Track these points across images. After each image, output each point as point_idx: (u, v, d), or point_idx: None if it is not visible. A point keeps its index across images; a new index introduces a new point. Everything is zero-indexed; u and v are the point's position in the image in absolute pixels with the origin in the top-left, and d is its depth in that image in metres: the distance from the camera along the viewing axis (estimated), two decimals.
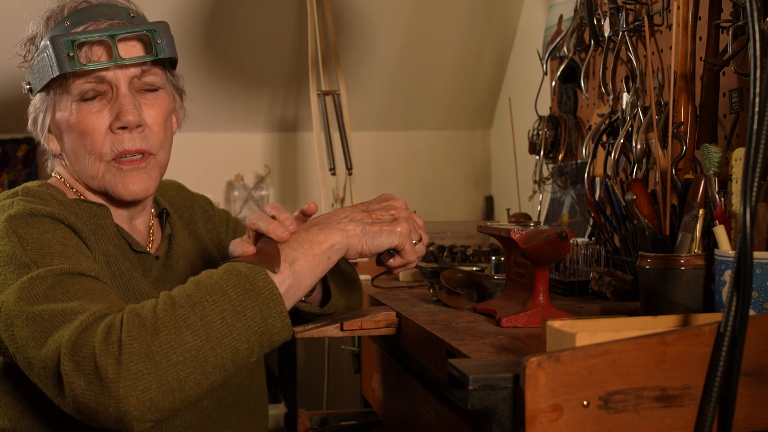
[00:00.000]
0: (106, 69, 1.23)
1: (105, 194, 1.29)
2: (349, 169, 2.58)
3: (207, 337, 0.99)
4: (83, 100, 1.23)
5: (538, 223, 1.40)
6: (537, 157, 2.27)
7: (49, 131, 1.29)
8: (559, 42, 2.17)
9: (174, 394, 0.97)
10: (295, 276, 1.09)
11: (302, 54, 2.86)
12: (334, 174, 2.56)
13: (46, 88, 1.26)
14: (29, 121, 1.31)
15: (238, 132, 3.12)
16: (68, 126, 1.25)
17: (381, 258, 1.22)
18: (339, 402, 3.08)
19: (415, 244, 1.21)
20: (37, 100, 1.29)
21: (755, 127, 0.85)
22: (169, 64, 1.32)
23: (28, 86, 1.30)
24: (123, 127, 1.23)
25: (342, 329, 1.33)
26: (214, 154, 3.10)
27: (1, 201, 1.19)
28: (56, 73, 1.21)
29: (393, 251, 1.21)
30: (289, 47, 2.91)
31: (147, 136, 1.26)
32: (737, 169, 1.15)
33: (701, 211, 1.18)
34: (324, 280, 1.39)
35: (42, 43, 1.26)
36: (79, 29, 1.24)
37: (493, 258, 1.62)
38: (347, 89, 2.88)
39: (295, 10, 2.82)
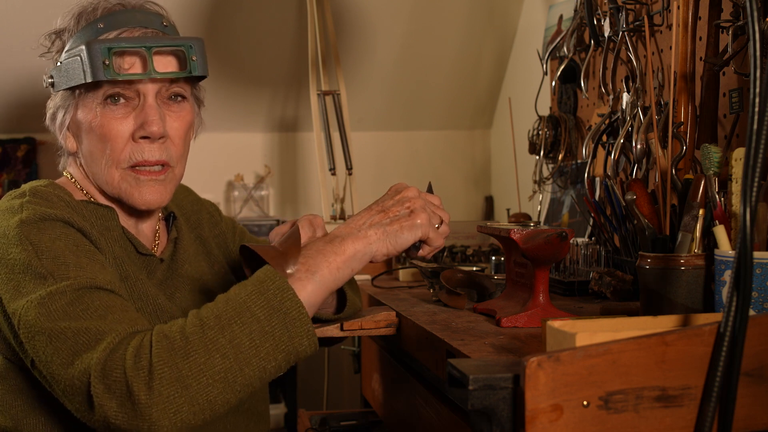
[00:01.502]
0: (139, 81, 1.22)
1: (117, 200, 1.28)
2: (349, 169, 2.58)
3: (236, 359, 1.00)
4: (108, 103, 1.22)
5: (538, 223, 1.40)
6: (537, 157, 2.27)
7: (68, 129, 1.28)
8: (559, 42, 2.17)
9: (204, 412, 1.00)
10: (319, 289, 1.10)
11: (302, 54, 2.86)
12: (334, 174, 2.56)
13: (72, 87, 1.24)
14: (47, 116, 1.30)
15: (238, 132, 3.13)
16: (90, 128, 1.24)
17: (409, 253, 1.21)
18: (339, 402, 3.08)
19: (438, 227, 1.21)
20: (59, 97, 1.27)
21: (755, 127, 0.85)
22: (196, 78, 1.31)
23: (50, 80, 1.27)
24: (145, 137, 1.23)
25: (342, 329, 1.34)
26: (214, 154, 3.10)
27: (9, 201, 1.18)
28: (89, 79, 1.19)
29: (419, 243, 1.20)
30: (289, 47, 2.91)
31: (168, 147, 1.25)
32: (737, 169, 1.15)
33: (701, 211, 1.18)
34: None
35: (72, 42, 1.24)
36: (113, 34, 1.22)
37: (493, 258, 1.62)
38: (347, 89, 2.88)
39: (295, 10, 2.82)
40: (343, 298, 1.38)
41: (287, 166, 3.18)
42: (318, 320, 1.45)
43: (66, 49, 1.25)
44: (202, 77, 1.31)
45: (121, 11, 1.25)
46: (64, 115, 1.27)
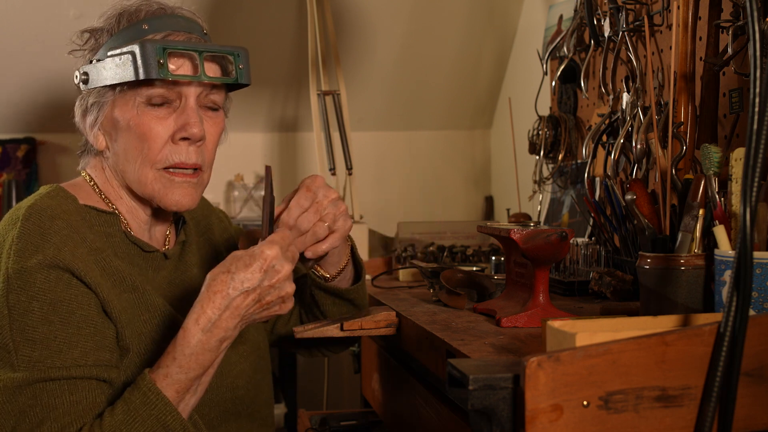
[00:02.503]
0: (189, 83, 1.23)
1: (141, 200, 1.29)
2: (349, 169, 2.58)
3: None
4: (150, 104, 1.23)
5: (538, 223, 1.40)
6: (537, 157, 2.27)
7: (100, 127, 1.27)
8: (559, 42, 2.17)
9: None
10: (197, 393, 1.16)
11: (302, 54, 2.86)
12: (334, 174, 2.56)
13: (112, 84, 1.24)
14: (77, 113, 1.29)
15: (238, 132, 3.12)
16: (128, 126, 1.23)
17: None
18: (339, 402, 3.08)
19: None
20: (94, 94, 1.26)
21: (755, 127, 0.85)
22: (233, 87, 1.33)
23: (84, 77, 1.26)
24: (185, 138, 1.24)
25: (342, 329, 1.34)
26: None
27: (3, 229, 1.18)
28: (142, 76, 1.19)
29: None
30: (289, 47, 2.91)
31: (203, 151, 1.27)
32: (737, 169, 1.15)
33: (701, 211, 1.18)
34: (354, 258, 1.45)
35: (113, 41, 1.24)
36: (159, 36, 1.23)
37: (493, 258, 1.62)
38: (347, 89, 2.88)
39: (295, 10, 2.82)
40: (358, 273, 1.44)
41: (287, 166, 3.18)
42: (317, 318, 1.47)
43: (106, 47, 1.24)
44: (243, 85, 1.32)
45: (165, 15, 1.26)
46: (98, 112, 1.26)
